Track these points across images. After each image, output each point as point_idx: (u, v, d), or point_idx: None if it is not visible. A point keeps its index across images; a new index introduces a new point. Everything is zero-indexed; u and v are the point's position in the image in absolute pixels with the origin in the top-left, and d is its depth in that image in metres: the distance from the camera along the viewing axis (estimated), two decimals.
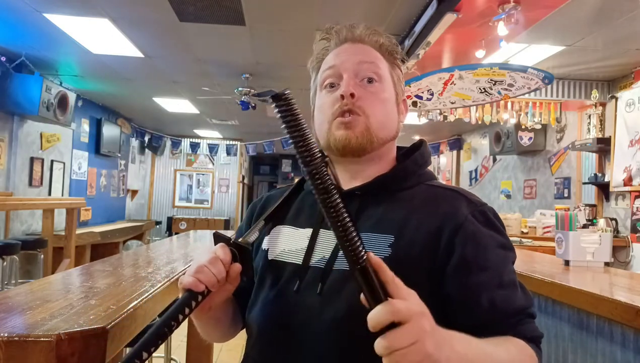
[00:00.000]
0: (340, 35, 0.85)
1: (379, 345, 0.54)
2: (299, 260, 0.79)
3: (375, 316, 0.54)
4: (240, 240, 0.77)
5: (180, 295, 0.71)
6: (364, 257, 0.56)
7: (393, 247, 0.74)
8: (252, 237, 0.81)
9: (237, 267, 0.73)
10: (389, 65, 0.85)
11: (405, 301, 0.55)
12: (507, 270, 0.75)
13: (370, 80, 0.81)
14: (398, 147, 0.90)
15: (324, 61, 0.85)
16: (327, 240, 0.79)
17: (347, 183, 0.83)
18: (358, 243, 0.56)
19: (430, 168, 0.89)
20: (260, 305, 0.80)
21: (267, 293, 0.80)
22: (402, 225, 0.76)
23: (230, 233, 0.95)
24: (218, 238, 0.76)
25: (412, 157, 0.85)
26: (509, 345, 0.69)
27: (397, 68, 0.87)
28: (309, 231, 0.81)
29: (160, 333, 0.65)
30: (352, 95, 0.78)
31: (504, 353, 0.67)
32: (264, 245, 0.85)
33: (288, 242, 0.83)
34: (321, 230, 0.80)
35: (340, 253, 0.75)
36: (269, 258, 0.83)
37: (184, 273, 0.73)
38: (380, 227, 0.76)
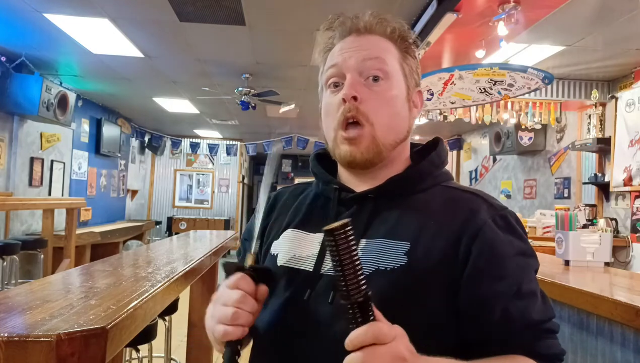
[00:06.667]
0: (344, 26, 0.78)
1: (355, 357, 0.55)
2: (309, 267, 0.75)
3: (357, 335, 0.55)
4: (251, 261, 0.74)
5: (223, 347, 0.69)
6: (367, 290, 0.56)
7: (409, 255, 0.69)
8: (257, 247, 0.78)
9: (264, 289, 0.71)
10: (399, 56, 0.79)
11: (388, 326, 0.56)
12: (526, 279, 0.70)
13: (375, 79, 0.75)
14: (412, 144, 0.85)
15: (330, 55, 0.80)
16: None
17: (358, 186, 0.79)
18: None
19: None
20: (269, 312, 0.76)
21: (276, 300, 0.76)
22: (419, 232, 0.71)
23: (230, 234, 0.95)
24: (230, 269, 0.72)
25: (429, 158, 0.80)
26: None
27: (410, 57, 0.80)
28: (319, 236, 0.77)
29: None
30: (354, 98, 0.73)
31: None
32: (273, 250, 0.82)
33: (298, 248, 0.79)
34: None
35: None
36: (279, 264, 0.79)
37: (184, 273, 0.72)
38: (396, 233, 0.72)
